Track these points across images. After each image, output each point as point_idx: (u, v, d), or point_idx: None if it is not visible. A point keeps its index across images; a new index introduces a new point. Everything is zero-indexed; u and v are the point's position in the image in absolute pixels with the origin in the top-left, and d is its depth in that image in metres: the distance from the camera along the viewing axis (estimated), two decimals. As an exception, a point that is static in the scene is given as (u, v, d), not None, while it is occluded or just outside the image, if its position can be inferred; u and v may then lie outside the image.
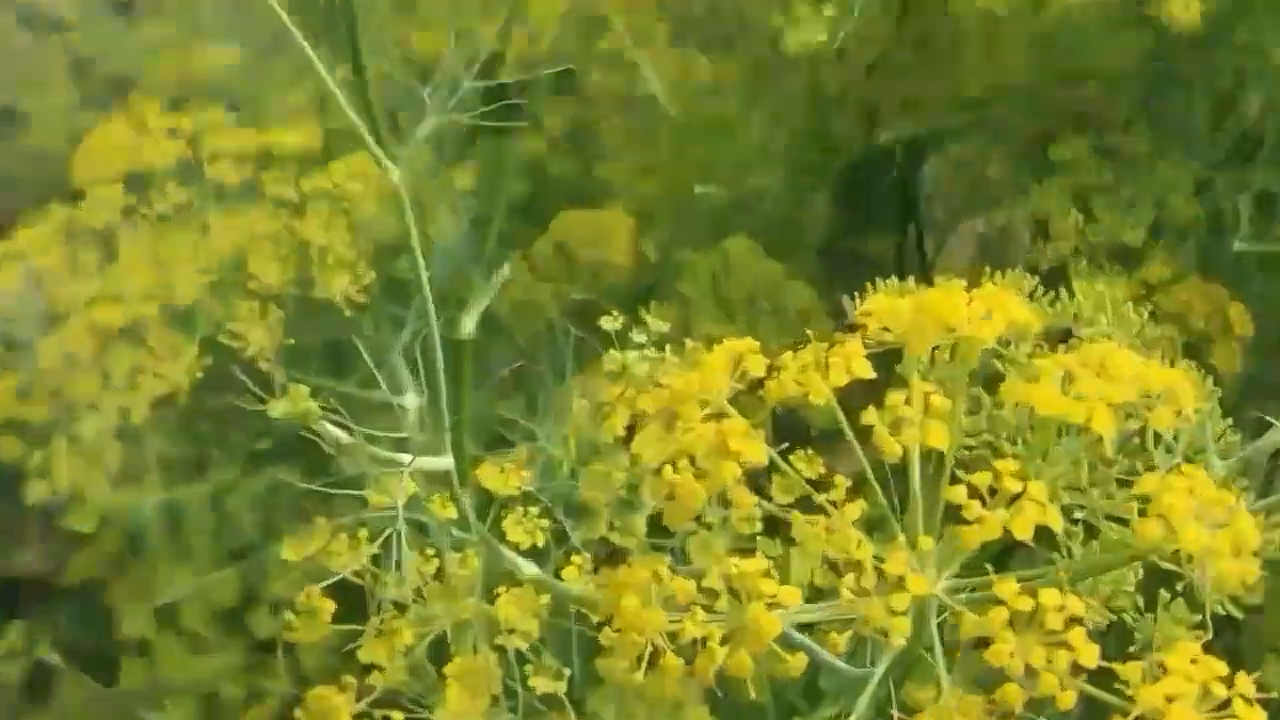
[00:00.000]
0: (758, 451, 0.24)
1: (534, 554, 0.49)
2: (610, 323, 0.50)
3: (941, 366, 0.24)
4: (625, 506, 0.47)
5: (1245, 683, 0.19)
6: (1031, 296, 0.39)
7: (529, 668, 0.50)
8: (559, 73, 0.73)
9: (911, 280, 0.41)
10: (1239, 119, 0.67)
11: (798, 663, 0.22)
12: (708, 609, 0.23)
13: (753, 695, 0.23)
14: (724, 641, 0.22)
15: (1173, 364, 0.48)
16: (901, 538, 0.23)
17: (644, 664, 0.23)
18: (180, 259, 0.62)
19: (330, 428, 0.44)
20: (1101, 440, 0.26)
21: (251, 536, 0.66)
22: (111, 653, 0.64)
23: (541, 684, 0.49)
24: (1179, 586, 0.39)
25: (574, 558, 0.44)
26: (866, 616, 0.20)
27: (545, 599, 0.48)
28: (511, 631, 0.50)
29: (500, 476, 0.49)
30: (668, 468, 0.25)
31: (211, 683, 0.64)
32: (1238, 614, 0.34)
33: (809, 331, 0.26)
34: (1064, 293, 0.41)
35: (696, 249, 0.65)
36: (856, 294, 0.33)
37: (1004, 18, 0.62)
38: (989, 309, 0.23)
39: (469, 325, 0.54)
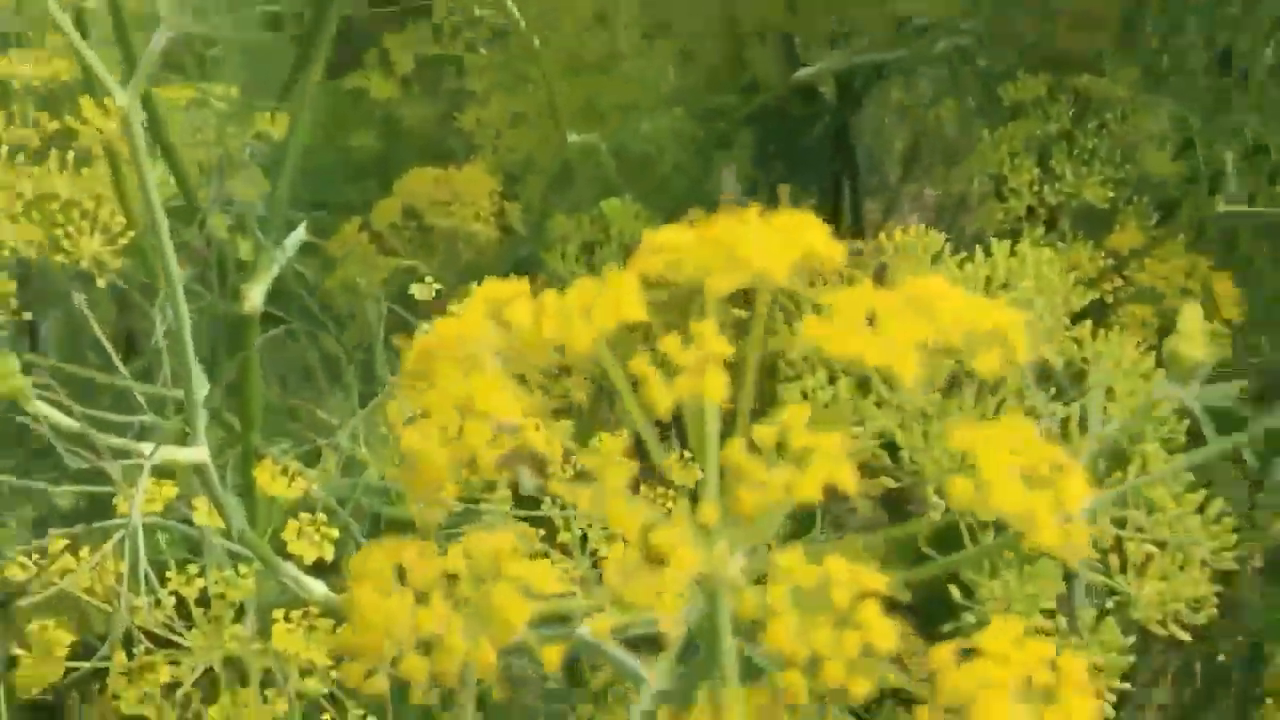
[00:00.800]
0: (510, 407, 0.22)
1: (323, 571, 0.44)
2: (423, 291, 0.46)
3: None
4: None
5: (1076, 667, 0.18)
6: (936, 259, 0.34)
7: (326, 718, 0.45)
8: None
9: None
10: (1239, 56, 0.62)
11: (551, 656, 0.20)
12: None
13: (495, 696, 0.22)
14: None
15: (1156, 351, 0.44)
16: (687, 508, 0.20)
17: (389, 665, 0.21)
18: None
19: (48, 410, 0.38)
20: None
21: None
22: None
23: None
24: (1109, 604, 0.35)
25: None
26: (628, 599, 0.18)
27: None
28: (306, 672, 0.45)
29: (280, 478, 0.44)
30: (410, 433, 0.22)
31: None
32: (1184, 636, 0.32)
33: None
34: (979, 254, 0.36)
35: (571, 215, 0.59)
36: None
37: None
38: (786, 240, 0.18)
39: (255, 298, 0.48)
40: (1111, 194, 0.58)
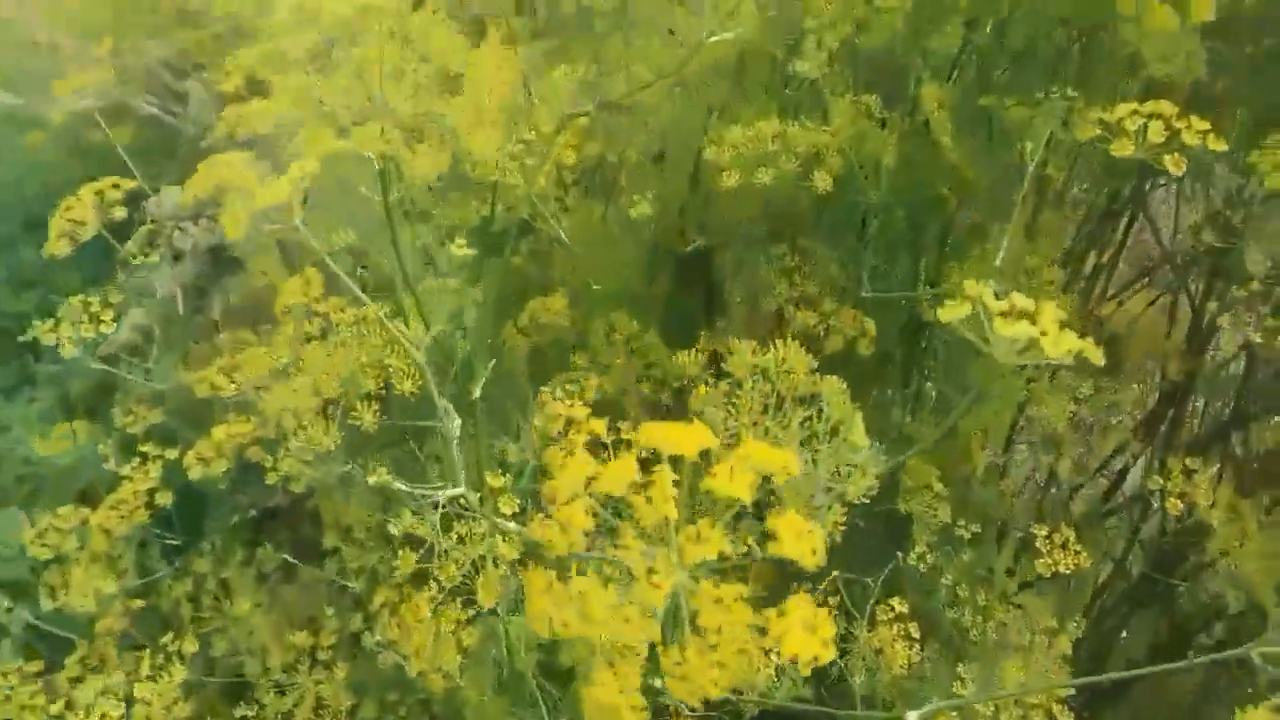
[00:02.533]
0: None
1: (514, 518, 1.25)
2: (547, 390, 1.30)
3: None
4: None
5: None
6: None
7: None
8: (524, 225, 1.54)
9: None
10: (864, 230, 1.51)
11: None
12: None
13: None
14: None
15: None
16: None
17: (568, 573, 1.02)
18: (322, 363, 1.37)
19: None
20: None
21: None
22: (317, 536, 1.39)
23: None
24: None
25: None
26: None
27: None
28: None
29: (498, 478, 1.27)
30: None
31: (369, 568, 1.39)
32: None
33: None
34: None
35: (597, 317, 1.45)
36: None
37: (736, 187, 1.43)
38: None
39: (475, 392, 1.31)
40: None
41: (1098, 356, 0.63)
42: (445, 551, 1.15)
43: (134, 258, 2.10)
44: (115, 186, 1.40)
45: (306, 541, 1.42)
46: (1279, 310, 1.41)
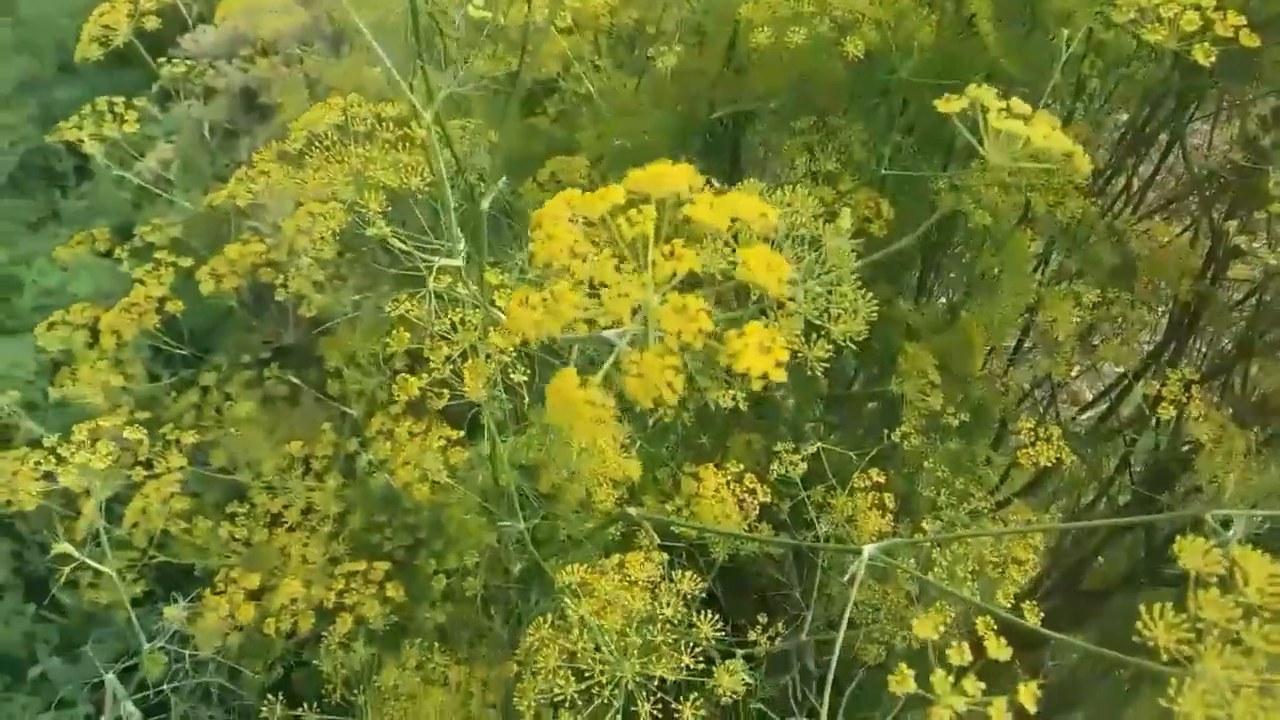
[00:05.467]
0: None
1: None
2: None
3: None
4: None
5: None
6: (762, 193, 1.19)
7: (511, 370, 1.28)
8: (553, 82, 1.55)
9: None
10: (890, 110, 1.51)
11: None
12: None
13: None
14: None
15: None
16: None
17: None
18: (340, 175, 1.39)
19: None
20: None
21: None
22: (323, 378, 1.43)
23: (517, 377, 1.28)
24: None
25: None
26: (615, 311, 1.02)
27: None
28: (500, 351, 1.29)
29: (495, 274, 1.29)
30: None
31: (370, 388, 1.43)
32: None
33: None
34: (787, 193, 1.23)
35: (617, 177, 1.46)
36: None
37: (769, 51, 1.42)
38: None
39: (484, 204, 1.33)
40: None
41: (1084, 163, 0.65)
42: (438, 335, 1.17)
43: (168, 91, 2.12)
44: (150, -8, 1.41)
45: (312, 382, 1.46)
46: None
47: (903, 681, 0.52)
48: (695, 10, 1.59)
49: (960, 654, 0.52)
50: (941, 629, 0.54)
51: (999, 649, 0.54)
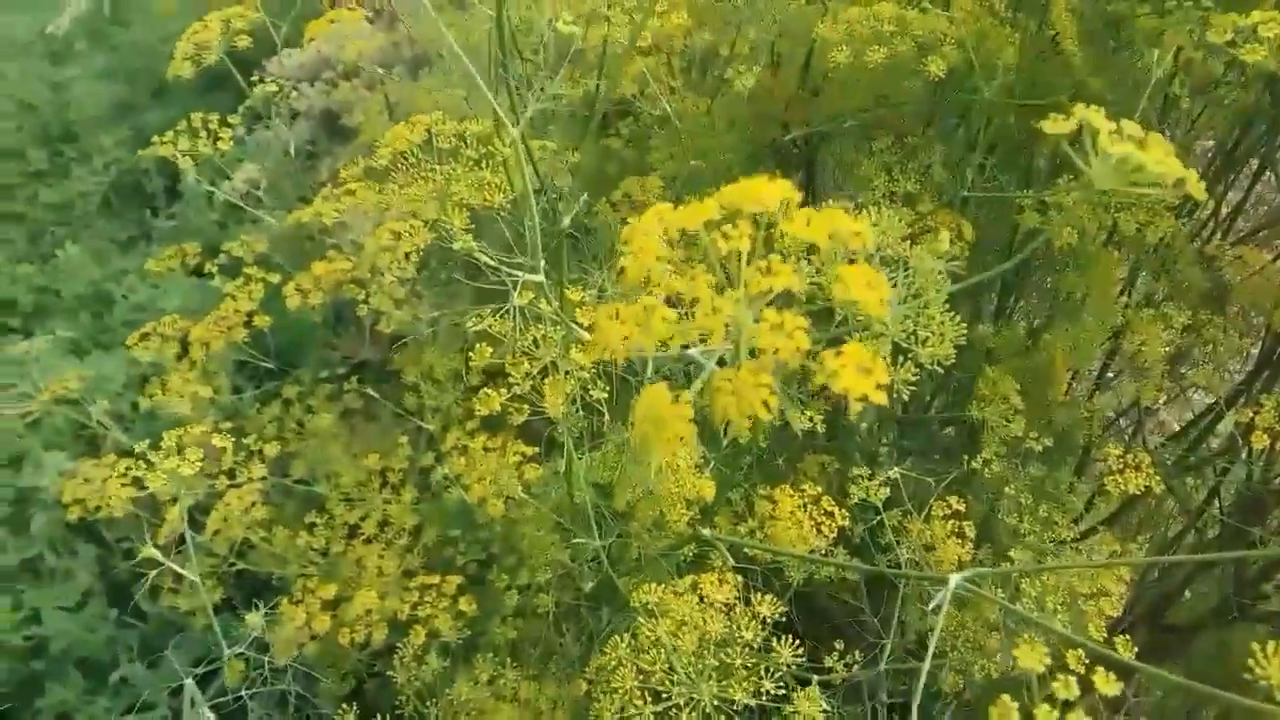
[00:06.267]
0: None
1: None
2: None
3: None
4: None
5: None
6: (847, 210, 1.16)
7: (590, 388, 1.28)
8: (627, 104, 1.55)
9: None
10: (970, 131, 1.49)
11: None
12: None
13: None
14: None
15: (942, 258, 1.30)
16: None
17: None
18: (424, 192, 1.41)
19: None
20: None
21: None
22: (400, 393, 1.45)
23: (596, 394, 1.28)
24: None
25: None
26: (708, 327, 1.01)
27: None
28: (580, 368, 1.29)
29: (574, 292, 1.29)
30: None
31: (445, 404, 1.44)
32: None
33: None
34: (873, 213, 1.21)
35: (691, 198, 1.46)
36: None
37: (846, 71, 1.41)
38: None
39: (564, 223, 1.34)
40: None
41: (1199, 190, 0.62)
42: (520, 350, 1.18)
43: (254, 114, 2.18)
44: (241, 15, 1.46)
45: (390, 397, 1.48)
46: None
47: (1005, 714, 0.50)
48: (770, 31, 1.59)
49: (1068, 688, 0.50)
50: (1047, 661, 0.52)
51: (1108, 684, 0.52)
